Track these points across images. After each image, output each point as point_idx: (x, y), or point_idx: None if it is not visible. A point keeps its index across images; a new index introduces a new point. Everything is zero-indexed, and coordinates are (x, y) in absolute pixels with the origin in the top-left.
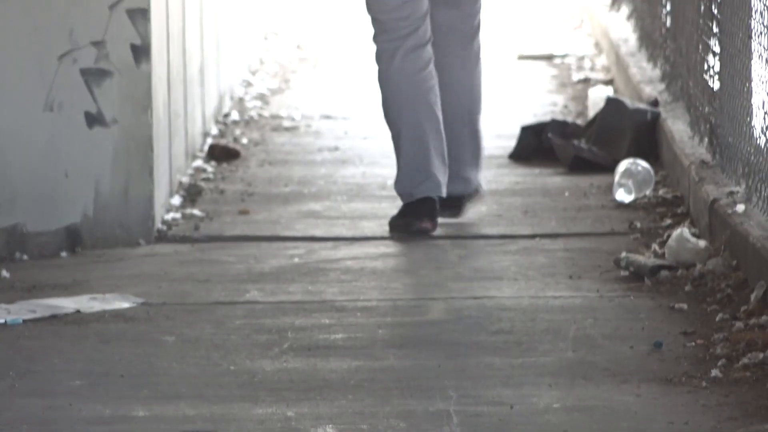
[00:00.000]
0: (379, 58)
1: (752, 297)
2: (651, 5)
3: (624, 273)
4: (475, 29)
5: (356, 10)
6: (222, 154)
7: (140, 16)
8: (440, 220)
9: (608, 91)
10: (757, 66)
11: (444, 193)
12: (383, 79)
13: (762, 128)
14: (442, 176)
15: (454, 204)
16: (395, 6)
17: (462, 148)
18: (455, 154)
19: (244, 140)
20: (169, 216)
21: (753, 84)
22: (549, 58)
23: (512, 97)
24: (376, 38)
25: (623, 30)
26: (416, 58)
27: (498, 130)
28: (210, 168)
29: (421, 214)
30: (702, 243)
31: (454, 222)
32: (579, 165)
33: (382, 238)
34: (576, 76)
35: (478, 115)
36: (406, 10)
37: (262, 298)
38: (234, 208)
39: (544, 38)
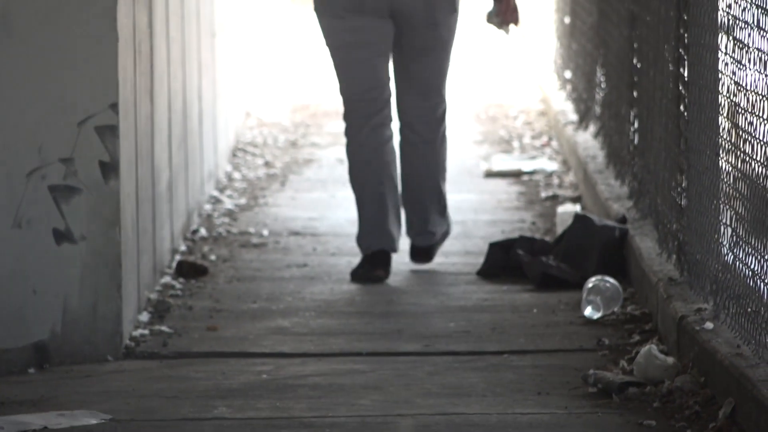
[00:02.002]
0: (348, 132)
1: (720, 414)
2: (618, 123)
3: (592, 390)
4: (441, 115)
5: (324, 131)
6: (190, 270)
7: (109, 133)
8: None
9: (576, 208)
10: (724, 183)
11: (397, 249)
12: (350, 151)
13: (730, 245)
14: (396, 233)
15: (425, 253)
16: (362, 91)
17: (429, 209)
18: (423, 214)
19: (213, 257)
20: (137, 332)
21: (720, 201)
22: (517, 175)
23: (480, 214)
24: (346, 116)
25: (591, 147)
26: (379, 135)
27: (466, 246)
28: (178, 284)
29: (376, 265)
30: (670, 360)
31: (423, 337)
32: (547, 282)
33: (351, 354)
34: (544, 193)
35: (443, 182)
36: (372, 95)
37: (230, 414)
38: (202, 325)
39: (512, 155)
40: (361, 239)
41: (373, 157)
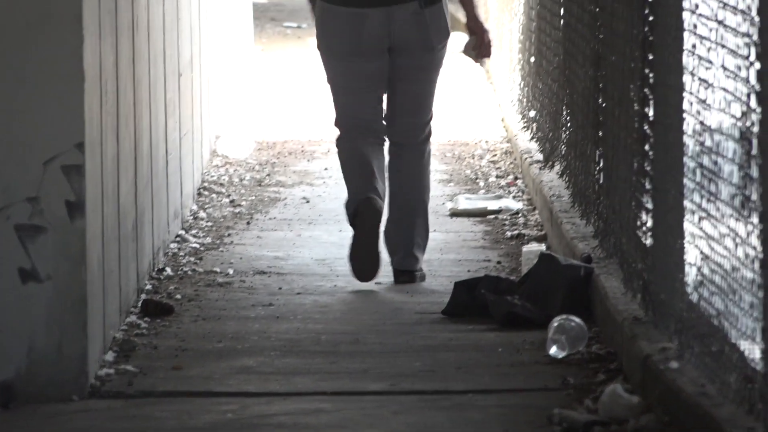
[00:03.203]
0: (338, 143)
1: None
2: (584, 162)
3: (557, 429)
4: (428, 134)
5: (290, 170)
6: (156, 309)
7: (75, 172)
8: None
9: (542, 248)
10: (689, 223)
11: (383, 199)
12: (341, 154)
13: (694, 285)
14: (382, 191)
15: (408, 276)
16: (357, 125)
17: (414, 232)
18: (409, 236)
19: (178, 296)
20: (103, 372)
21: (685, 241)
22: (482, 214)
23: (446, 254)
24: (337, 125)
25: (557, 186)
26: (367, 143)
27: (431, 285)
28: (143, 324)
29: (365, 221)
30: (635, 399)
31: (388, 376)
32: (512, 321)
33: (316, 393)
34: (509, 233)
35: (426, 205)
36: (367, 127)
37: None
38: (167, 364)
39: (478, 194)
40: (348, 203)
41: (363, 151)
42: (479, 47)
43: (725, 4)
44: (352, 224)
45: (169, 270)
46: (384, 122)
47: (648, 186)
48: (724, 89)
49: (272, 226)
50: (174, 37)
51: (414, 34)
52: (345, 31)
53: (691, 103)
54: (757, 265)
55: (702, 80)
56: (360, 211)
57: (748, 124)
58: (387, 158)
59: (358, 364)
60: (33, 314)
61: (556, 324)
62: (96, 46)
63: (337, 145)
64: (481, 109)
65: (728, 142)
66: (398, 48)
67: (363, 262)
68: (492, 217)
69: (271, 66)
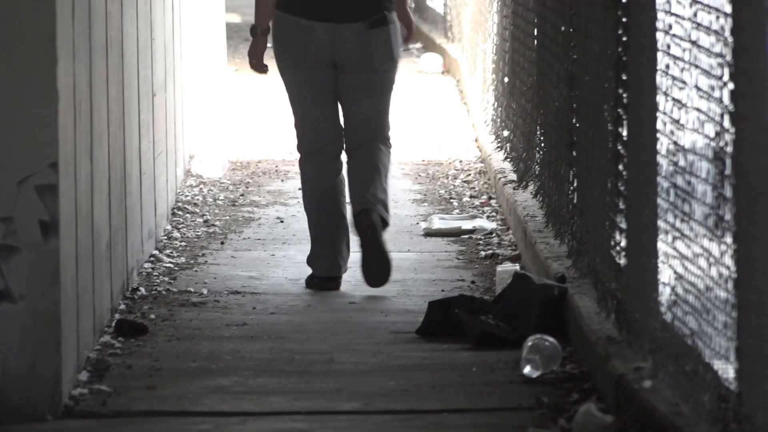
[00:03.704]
0: (301, 164)
1: None
2: (558, 182)
3: None
4: (384, 142)
5: (263, 189)
6: (129, 329)
7: (49, 192)
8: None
9: (515, 267)
10: (663, 243)
11: (342, 273)
12: (303, 180)
13: (668, 304)
14: (346, 257)
15: (365, 217)
16: (314, 131)
17: (374, 179)
18: (368, 181)
19: (152, 316)
20: (77, 391)
21: (659, 261)
22: (456, 234)
23: (420, 273)
24: (299, 147)
25: (530, 206)
26: (330, 166)
27: (405, 305)
28: (117, 343)
29: (327, 285)
30: (609, 418)
31: (362, 396)
32: (486, 340)
33: (290, 413)
34: (483, 252)
35: (387, 175)
36: (322, 132)
37: None
38: (141, 384)
39: (452, 214)
40: (312, 262)
41: (325, 187)
42: (407, 36)
43: (699, 25)
44: (309, 284)
45: (143, 290)
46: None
47: (622, 206)
48: (698, 109)
49: (246, 246)
50: (148, 58)
51: (357, 53)
52: (294, 40)
53: (665, 123)
54: (730, 285)
55: (675, 100)
56: (322, 283)
57: (721, 144)
58: (347, 160)
59: (332, 383)
60: (6, 334)
61: (530, 343)
62: (70, 66)
63: (302, 176)
64: (455, 129)
65: (702, 162)
66: (341, 66)
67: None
68: (466, 236)
69: (244, 86)
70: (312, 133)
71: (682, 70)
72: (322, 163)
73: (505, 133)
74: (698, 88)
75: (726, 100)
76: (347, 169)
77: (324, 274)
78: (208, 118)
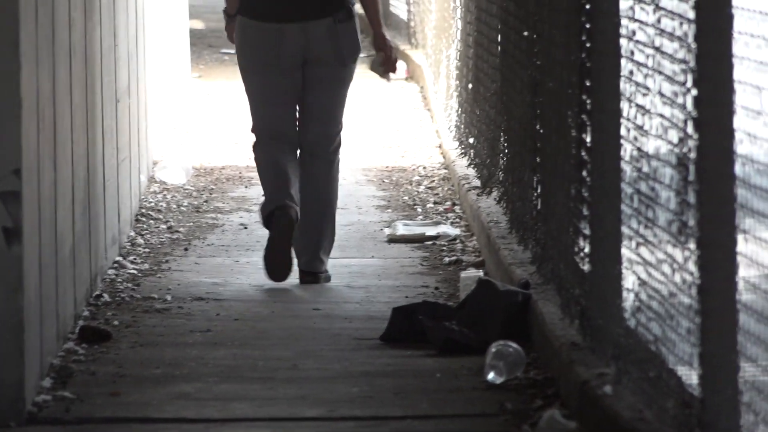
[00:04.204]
0: (255, 148)
1: None
2: (521, 188)
3: None
4: (338, 145)
5: (227, 196)
6: (93, 336)
7: (12, 199)
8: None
9: (479, 274)
10: (626, 249)
11: (295, 205)
12: (257, 158)
13: (632, 311)
14: (296, 193)
15: (312, 277)
16: (272, 133)
17: (322, 237)
18: (316, 240)
19: (116, 322)
20: (40, 398)
21: (623, 267)
22: (420, 240)
23: (384, 279)
24: (254, 131)
25: (494, 213)
26: (282, 151)
27: (369, 312)
28: (81, 350)
29: (279, 220)
30: (572, 424)
31: (326, 402)
32: (450, 347)
33: (254, 419)
34: (447, 259)
35: (334, 211)
36: (281, 136)
37: None
38: (105, 390)
39: (416, 221)
40: (264, 206)
41: (279, 158)
42: (386, 64)
43: (662, 31)
44: (266, 226)
45: (106, 296)
46: (297, 131)
47: (585, 212)
48: (662, 115)
49: (210, 253)
50: (111, 64)
51: (328, 48)
52: (263, 45)
53: (629, 130)
54: (694, 291)
55: (639, 106)
56: (276, 215)
57: (685, 150)
58: (300, 163)
59: (296, 390)
60: None
61: (494, 350)
62: (33, 73)
63: (254, 150)
64: (419, 136)
65: (665, 169)
66: (312, 61)
67: (276, 262)
68: (430, 243)
69: (208, 92)
70: (270, 129)
71: (646, 76)
72: (278, 147)
73: (470, 139)
74: (662, 94)
75: (689, 106)
76: (300, 180)
77: (277, 203)
78: (172, 125)
